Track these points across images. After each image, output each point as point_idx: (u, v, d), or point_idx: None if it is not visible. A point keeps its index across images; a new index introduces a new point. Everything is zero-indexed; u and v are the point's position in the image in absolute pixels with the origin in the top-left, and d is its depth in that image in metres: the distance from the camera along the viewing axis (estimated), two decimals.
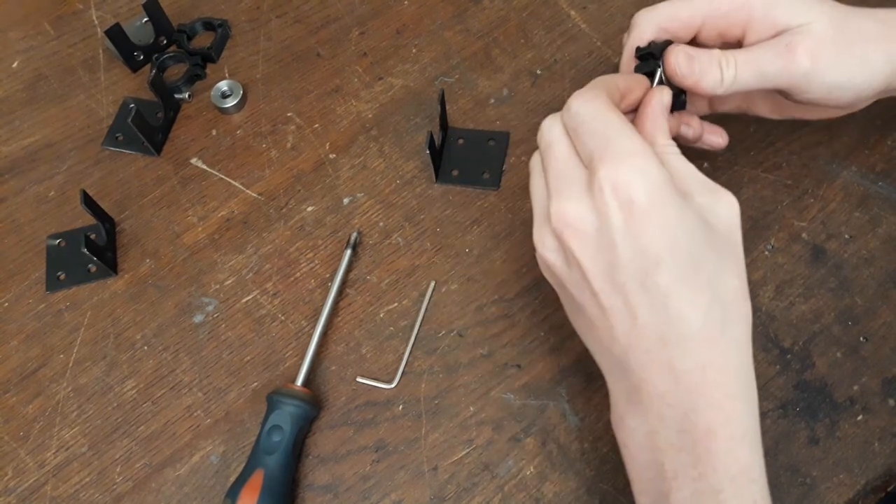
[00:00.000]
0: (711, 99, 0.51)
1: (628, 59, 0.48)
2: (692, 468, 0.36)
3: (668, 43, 0.45)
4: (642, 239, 0.35)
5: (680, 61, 0.44)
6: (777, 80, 0.44)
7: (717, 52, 0.44)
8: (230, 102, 0.64)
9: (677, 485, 0.36)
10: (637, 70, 0.46)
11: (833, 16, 0.44)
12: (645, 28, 0.46)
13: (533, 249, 0.55)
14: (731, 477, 0.35)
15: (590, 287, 0.38)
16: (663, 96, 0.43)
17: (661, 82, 0.45)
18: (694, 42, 0.47)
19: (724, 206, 0.38)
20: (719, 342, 0.36)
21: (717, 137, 0.50)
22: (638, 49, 0.47)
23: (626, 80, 0.43)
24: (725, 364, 0.36)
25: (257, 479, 0.46)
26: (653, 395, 0.37)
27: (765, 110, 0.52)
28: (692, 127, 0.48)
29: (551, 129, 0.41)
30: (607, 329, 0.38)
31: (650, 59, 0.46)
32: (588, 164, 0.37)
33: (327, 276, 0.56)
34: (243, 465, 0.48)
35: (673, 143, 0.40)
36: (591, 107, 0.38)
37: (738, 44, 0.46)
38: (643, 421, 0.38)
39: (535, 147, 0.60)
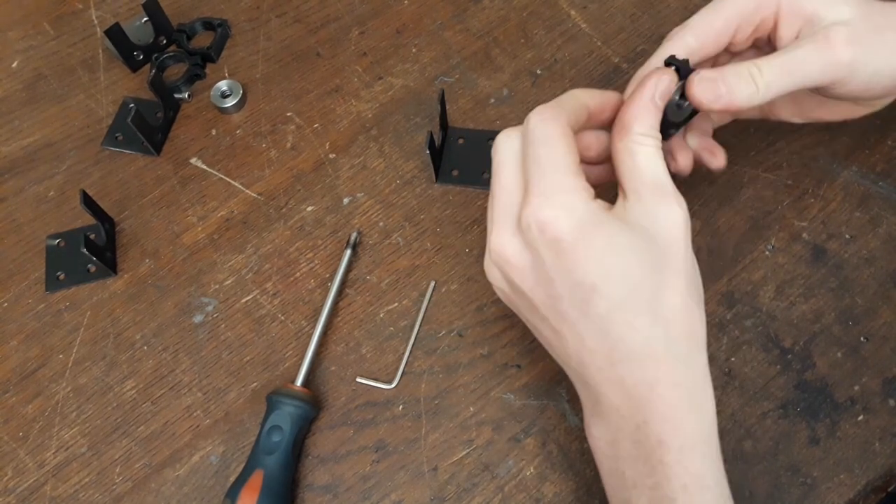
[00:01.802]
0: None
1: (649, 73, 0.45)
2: (648, 477, 0.36)
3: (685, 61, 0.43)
4: (574, 273, 0.36)
5: (704, 90, 0.41)
6: (819, 77, 0.42)
7: (743, 64, 0.42)
8: (230, 102, 0.64)
9: (636, 493, 0.37)
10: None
11: (859, 4, 0.43)
12: (677, 43, 0.44)
13: None
14: (684, 485, 0.36)
15: (538, 313, 0.39)
16: (659, 85, 0.40)
17: (682, 99, 0.43)
18: (726, 49, 0.46)
19: (666, 215, 0.37)
20: (665, 359, 0.36)
21: (715, 160, 0.48)
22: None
23: (599, 97, 0.42)
24: (673, 379, 0.36)
25: (257, 479, 0.46)
26: (610, 407, 0.38)
27: (787, 114, 0.50)
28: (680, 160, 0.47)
29: (503, 148, 0.41)
30: (562, 348, 0.39)
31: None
32: (524, 194, 0.38)
33: (327, 276, 0.56)
34: (243, 465, 0.48)
35: (650, 135, 0.39)
36: (543, 129, 0.39)
37: (769, 41, 0.46)
38: (605, 430, 0.39)
39: None
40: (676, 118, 0.43)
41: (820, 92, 0.45)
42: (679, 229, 0.37)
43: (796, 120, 0.51)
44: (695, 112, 0.44)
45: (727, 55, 0.48)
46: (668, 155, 0.47)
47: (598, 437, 0.39)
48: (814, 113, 0.50)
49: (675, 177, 0.43)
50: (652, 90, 0.40)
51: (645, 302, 0.36)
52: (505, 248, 0.38)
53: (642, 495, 0.37)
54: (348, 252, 0.55)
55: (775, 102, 0.50)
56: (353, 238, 0.55)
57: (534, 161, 0.38)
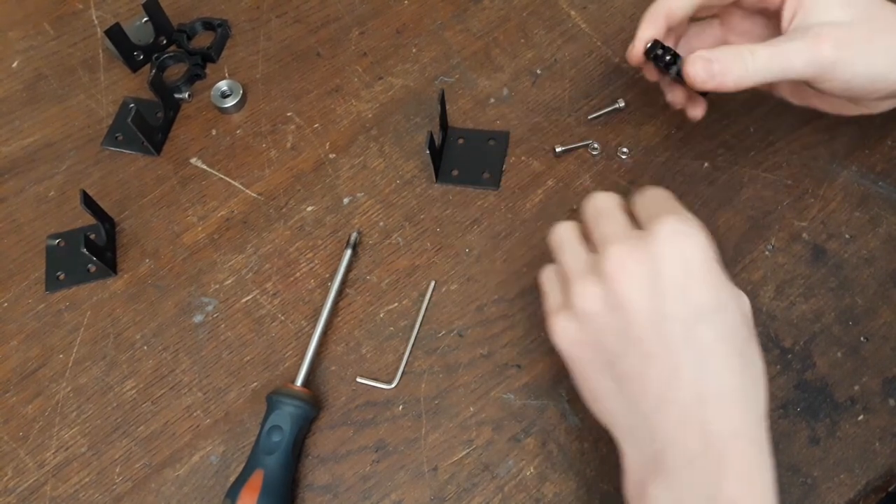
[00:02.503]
0: None
1: (643, 35, 0.49)
2: None
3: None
4: (693, 294, 0.36)
5: (698, 70, 0.45)
6: (801, 71, 0.45)
7: (740, 47, 0.45)
8: (230, 102, 0.64)
9: None
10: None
11: (858, 8, 0.44)
12: None
13: (533, 249, 0.55)
14: None
15: (633, 333, 0.37)
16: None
17: (678, 76, 0.47)
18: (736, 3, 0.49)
19: (744, 299, 0.38)
20: (750, 408, 0.36)
21: (698, 110, 0.52)
22: (647, 51, 0.49)
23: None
24: (753, 434, 0.36)
25: (257, 479, 0.46)
26: (680, 461, 0.36)
27: (785, 93, 0.52)
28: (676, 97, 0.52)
29: (564, 232, 0.43)
30: (642, 381, 0.37)
31: (663, 55, 0.48)
32: (646, 221, 0.39)
33: (327, 276, 0.56)
34: (243, 465, 0.48)
35: None
36: (606, 203, 0.42)
37: (777, 14, 0.47)
38: (667, 488, 0.36)
39: (535, 147, 0.60)
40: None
41: (806, 84, 0.47)
42: (750, 312, 0.38)
43: (794, 101, 0.52)
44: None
45: (740, 13, 0.51)
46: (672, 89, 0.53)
47: (658, 496, 0.36)
48: (809, 100, 0.51)
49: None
50: None
51: (741, 346, 0.36)
52: (624, 255, 0.37)
53: None
54: (348, 252, 0.55)
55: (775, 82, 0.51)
56: (353, 238, 0.55)
57: (652, 204, 0.40)
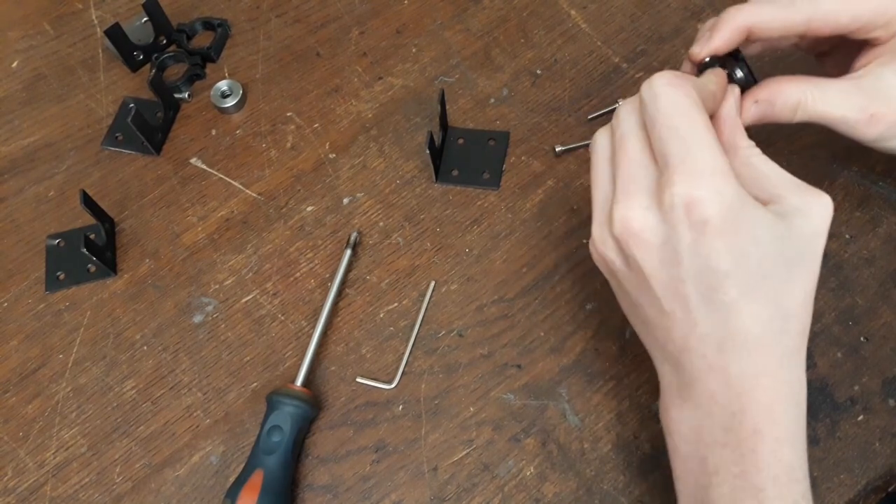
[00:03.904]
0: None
1: (702, 51, 0.44)
2: (734, 465, 0.36)
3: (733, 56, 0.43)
4: (711, 258, 0.35)
5: (755, 112, 0.43)
6: (844, 130, 0.43)
7: (800, 87, 0.42)
8: (230, 102, 0.63)
9: (718, 480, 0.37)
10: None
11: None
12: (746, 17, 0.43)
13: (533, 249, 0.55)
14: (774, 476, 0.36)
15: (651, 292, 0.38)
16: (735, 95, 0.41)
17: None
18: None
19: (817, 209, 0.37)
20: (775, 351, 0.36)
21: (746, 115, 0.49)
22: (702, 66, 0.44)
23: (717, 83, 0.41)
24: (778, 371, 0.36)
25: (257, 479, 0.46)
26: (703, 394, 0.37)
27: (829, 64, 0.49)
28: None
29: (627, 119, 0.39)
30: (664, 329, 0.38)
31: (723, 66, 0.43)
32: (662, 169, 0.36)
33: (327, 276, 0.56)
34: (243, 465, 0.48)
35: (754, 145, 0.39)
36: (677, 99, 0.37)
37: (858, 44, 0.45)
38: (691, 415, 0.38)
39: (535, 147, 0.60)
40: None
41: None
42: (826, 222, 0.37)
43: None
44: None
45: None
46: None
47: (680, 420, 0.39)
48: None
49: None
50: (734, 107, 0.41)
51: (773, 293, 0.36)
52: (634, 220, 0.37)
53: (724, 482, 0.36)
54: (348, 252, 0.55)
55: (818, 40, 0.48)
56: (352, 238, 0.55)
57: (671, 137, 0.36)
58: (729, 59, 0.43)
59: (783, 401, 0.36)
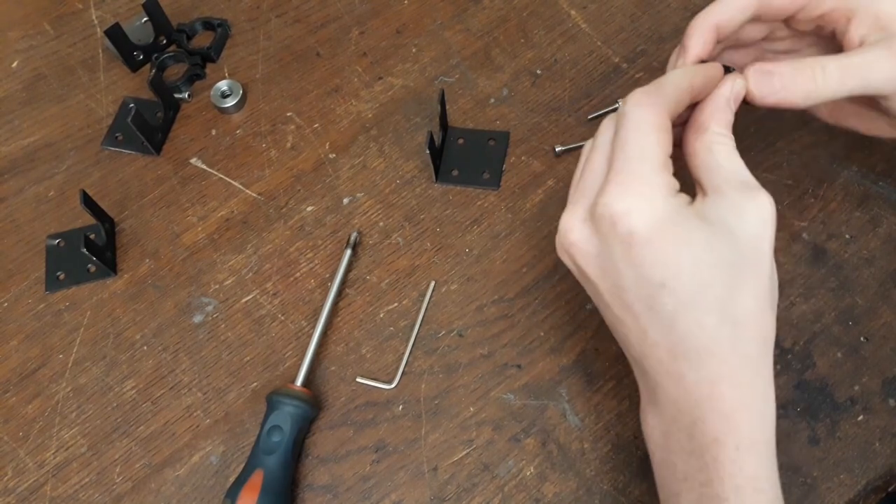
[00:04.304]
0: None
1: (694, 53, 0.44)
2: (700, 473, 0.36)
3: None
4: (644, 269, 0.35)
5: (760, 85, 0.41)
6: (883, 84, 0.41)
7: (806, 61, 0.40)
8: (230, 102, 0.63)
9: (686, 487, 0.37)
10: None
11: None
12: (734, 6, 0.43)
13: (533, 249, 0.55)
14: (737, 486, 0.35)
15: (602, 298, 0.39)
16: (735, 86, 0.40)
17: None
18: (787, 23, 0.45)
19: (754, 209, 0.36)
20: (730, 358, 0.36)
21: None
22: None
23: (703, 75, 0.40)
24: (737, 378, 0.36)
25: (257, 479, 0.46)
26: (666, 399, 0.37)
27: (823, 112, 0.48)
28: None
29: (603, 133, 0.40)
30: (623, 335, 0.39)
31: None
32: (607, 176, 0.37)
33: (327, 276, 0.56)
34: (243, 465, 0.48)
35: (726, 134, 0.39)
36: (637, 114, 0.37)
37: (833, 35, 0.44)
38: (660, 420, 0.38)
39: (535, 147, 0.60)
40: None
41: (878, 101, 0.43)
42: (765, 223, 0.36)
43: (829, 120, 0.49)
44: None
45: (786, 31, 0.47)
46: None
47: (653, 426, 0.39)
48: (848, 121, 0.48)
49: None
50: (728, 92, 0.40)
51: (716, 301, 0.35)
52: (573, 231, 0.38)
53: (692, 490, 0.36)
54: (348, 252, 0.55)
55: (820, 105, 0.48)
56: (352, 238, 0.55)
57: (620, 146, 0.37)
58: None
59: (744, 409, 0.36)
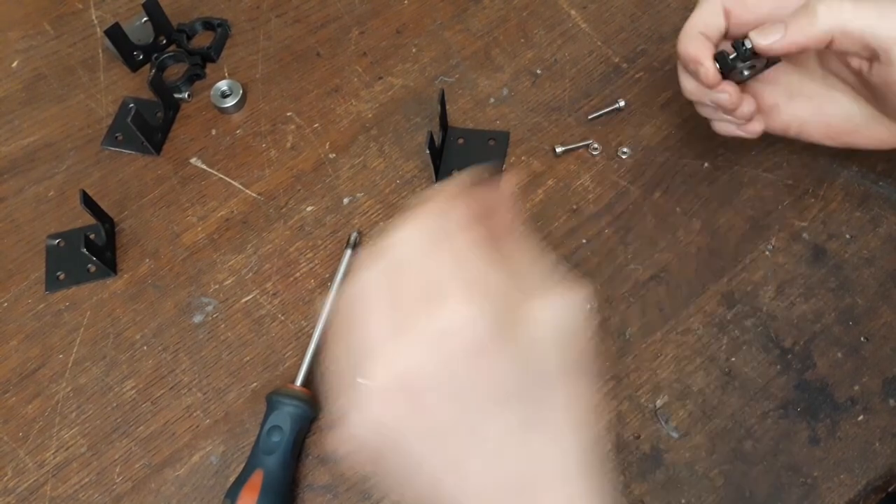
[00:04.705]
0: (765, 112, 0.50)
1: (702, 55, 0.47)
2: None
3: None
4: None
5: (763, 35, 0.44)
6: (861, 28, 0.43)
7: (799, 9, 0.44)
8: (230, 102, 0.63)
9: None
10: (719, 58, 0.47)
11: None
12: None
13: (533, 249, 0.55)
14: None
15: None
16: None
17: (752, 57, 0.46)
18: None
19: (540, 316, 0.32)
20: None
21: (757, 124, 0.50)
22: (722, 65, 0.47)
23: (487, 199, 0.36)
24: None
25: (257, 479, 0.46)
26: None
27: (819, 135, 0.50)
28: (731, 96, 0.47)
29: None
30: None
31: (735, 58, 0.46)
32: None
33: (327, 276, 0.56)
34: (243, 465, 0.48)
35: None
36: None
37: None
38: None
39: (535, 147, 0.60)
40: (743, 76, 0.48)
41: (873, 72, 0.44)
42: (554, 328, 0.32)
43: (828, 142, 0.50)
44: (759, 66, 0.48)
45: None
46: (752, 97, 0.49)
47: None
48: (847, 137, 0.50)
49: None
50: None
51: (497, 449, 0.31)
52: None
53: None
54: (349, 252, 0.55)
55: (807, 123, 0.50)
56: (353, 238, 0.55)
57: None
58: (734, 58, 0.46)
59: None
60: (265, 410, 0.49)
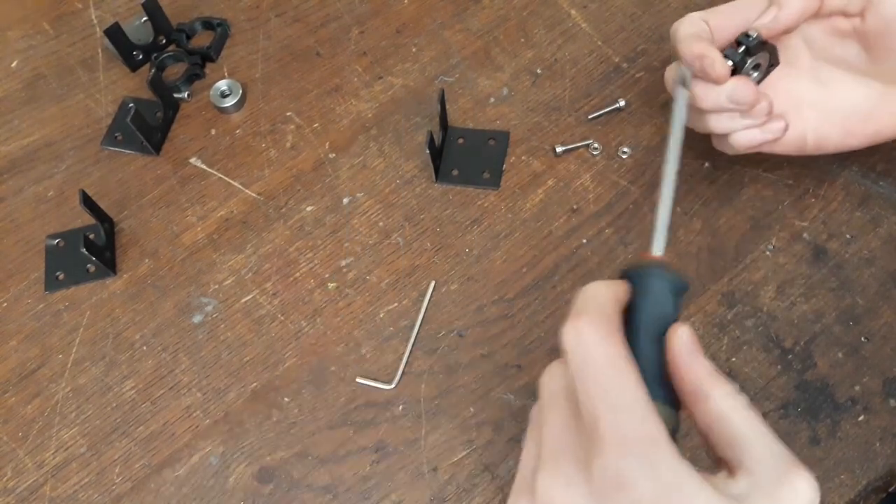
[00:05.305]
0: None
1: (708, 51, 0.45)
2: None
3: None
4: None
5: (763, 20, 0.45)
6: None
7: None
8: (229, 102, 0.63)
9: None
10: (729, 54, 0.46)
11: None
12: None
13: (533, 249, 0.55)
14: None
15: None
16: (685, 332, 0.33)
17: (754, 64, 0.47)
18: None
19: (791, 496, 0.30)
20: None
21: (780, 121, 0.48)
22: (734, 60, 0.46)
23: (619, 289, 0.35)
24: None
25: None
26: None
27: (836, 134, 0.49)
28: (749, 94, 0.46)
29: (550, 382, 0.35)
30: None
31: (745, 52, 0.46)
32: (590, 435, 0.31)
33: (327, 275, 0.56)
34: (242, 465, 0.48)
35: (731, 391, 0.32)
36: (605, 349, 0.31)
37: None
38: None
39: (535, 147, 0.60)
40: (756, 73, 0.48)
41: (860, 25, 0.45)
42: None
43: (851, 141, 0.49)
44: (764, 65, 0.48)
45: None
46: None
47: None
48: (866, 126, 0.49)
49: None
50: (687, 345, 0.33)
51: None
52: (556, 497, 0.31)
53: None
54: (683, 93, 0.43)
55: (821, 126, 0.49)
56: (683, 74, 0.45)
57: (603, 394, 0.31)
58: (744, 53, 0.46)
59: None
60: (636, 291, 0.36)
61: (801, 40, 0.49)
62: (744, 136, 0.48)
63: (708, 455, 0.33)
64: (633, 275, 0.36)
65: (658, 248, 0.37)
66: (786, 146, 0.50)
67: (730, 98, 0.46)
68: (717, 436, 0.32)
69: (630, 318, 0.35)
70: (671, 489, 0.29)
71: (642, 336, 0.34)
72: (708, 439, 0.33)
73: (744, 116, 0.48)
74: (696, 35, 0.46)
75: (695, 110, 0.48)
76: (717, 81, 0.46)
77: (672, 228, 0.55)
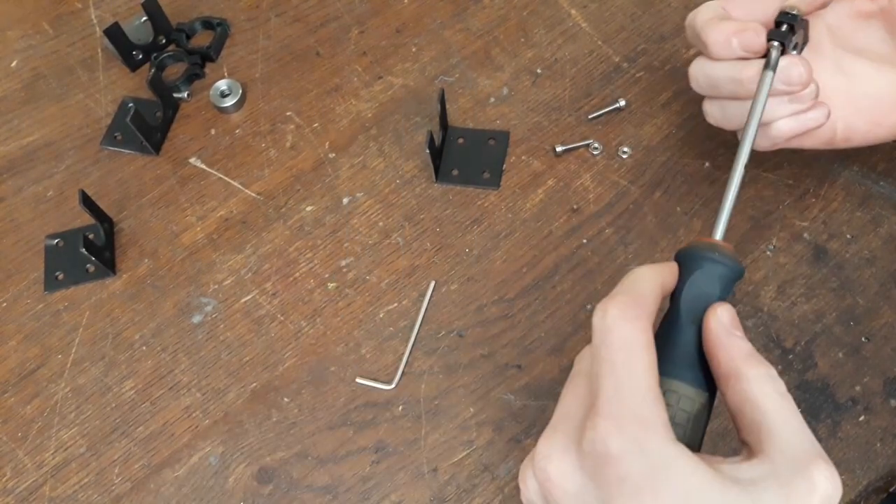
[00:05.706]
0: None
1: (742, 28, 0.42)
2: None
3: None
4: None
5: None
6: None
7: None
8: (229, 102, 0.63)
9: None
10: (773, 34, 0.42)
11: None
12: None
13: (533, 249, 0.55)
14: None
15: None
16: (724, 311, 0.34)
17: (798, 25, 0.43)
18: None
19: (805, 490, 0.29)
20: None
21: (822, 107, 0.44)
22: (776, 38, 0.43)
23: (671, 271, 0.35)
24: None
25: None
26: None
27: (864, 125, 0.46)
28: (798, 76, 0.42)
29: (579, 363, 0.36)
30: None
31: (786, 32, 0.42)
32: (590, 406, 0.31)
33: (327, 276, 0.56)
34: (242, 465, 0.48)
35: (771, 373, 0.32)
36: (625, 331, 0.32)
37: None
38: None
39: (535, 147, 0.60)
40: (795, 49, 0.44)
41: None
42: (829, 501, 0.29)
43: (880, 132, 0.47)
44: (803, 44, 0.45)
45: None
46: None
47: None
48: (857, 134, 0.47)
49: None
50: (724, 324, 0.33)
51: None
52: (550, 462, 0.32)
53: None
54: (769, 76, 0.41)
55: (848, 117, 0.46)
56: (774, 57, 0.42)
57: (609, 371, 0.31)
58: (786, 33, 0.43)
59: None
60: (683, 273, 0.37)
61: (823, 27, 0.47)
62: (788, 123, 0.44)
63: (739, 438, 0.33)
64: (681, 257, 0.36)
65: (718, 232, 0.37)
66: (816, 139, 0.46)
67: (786, 79, 0.42)
68: (745, 418, 0.32)
69: (672, 300, 0.35)
70: (659, 468, 0.29)
71: (683, 317, 0.35)
72: (736, 421, 0.32)
73: (791, 101, 0.44)
74: (719, 18, 0.44)
75: (731, 100, 0.45)
76: (757, 54, 0.43)
77: (675, 228, 0.55)
